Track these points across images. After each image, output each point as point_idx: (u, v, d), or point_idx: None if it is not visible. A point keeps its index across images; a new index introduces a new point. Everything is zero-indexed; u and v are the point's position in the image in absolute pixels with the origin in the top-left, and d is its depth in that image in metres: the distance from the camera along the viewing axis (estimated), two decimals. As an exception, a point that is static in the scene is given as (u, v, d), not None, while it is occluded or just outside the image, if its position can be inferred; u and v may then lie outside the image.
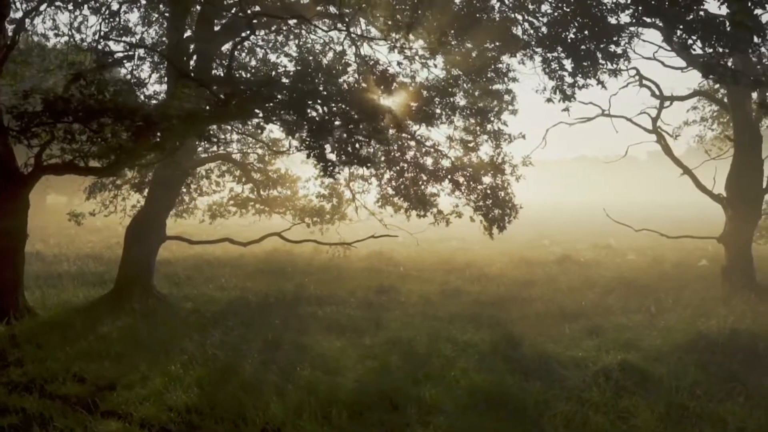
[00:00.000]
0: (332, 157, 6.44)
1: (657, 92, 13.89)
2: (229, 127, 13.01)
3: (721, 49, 6.69)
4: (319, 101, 6.57)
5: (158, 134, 6.07)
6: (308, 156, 6.74)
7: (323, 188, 15.17)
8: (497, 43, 9.41)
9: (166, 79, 11.69)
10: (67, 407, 6.00)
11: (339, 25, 13.33)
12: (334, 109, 6.51)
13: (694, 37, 6.56)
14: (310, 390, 6.34)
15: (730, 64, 11.02)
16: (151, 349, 8.02)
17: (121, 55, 11.64)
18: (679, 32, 6.60)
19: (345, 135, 6.47)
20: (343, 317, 10.47)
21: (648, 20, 6.94)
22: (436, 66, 10.66)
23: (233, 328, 9.32)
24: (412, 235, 14.53)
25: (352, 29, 13.84)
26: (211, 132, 6.44)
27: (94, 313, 10.19)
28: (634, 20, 6.99)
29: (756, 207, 12.66)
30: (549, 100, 8.68)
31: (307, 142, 6.20)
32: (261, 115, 7.41)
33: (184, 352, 7.90)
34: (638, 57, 10.79)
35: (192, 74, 7.07)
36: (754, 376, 6.59)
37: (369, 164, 6.81)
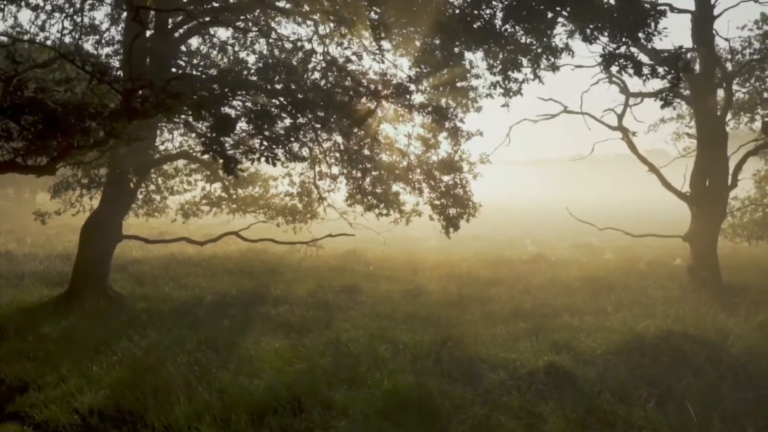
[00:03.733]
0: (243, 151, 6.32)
1: (625, 89, 13.70)
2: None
3: (623, 39, 6.50)
4: (238, 96, 6.45)
5: (66, 133, 5.98)
6: (203, 153, 6.62)
7: (292, 186, 15.12)
8: (446, 36, 9.21)
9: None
10: (-31, 410, 5.92)
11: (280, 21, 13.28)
12: (250, 104, 6.38)
13: (591, 27, 6.37)
14: (220, 392, 6.23)
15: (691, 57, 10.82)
16: (82, 350, 7.95)
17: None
18: (583, 23, 6.41)
19: (254, 131, 6.36)
20: (295, 317, 10.36)
21: (561, 11, 6.76)
22: (384, 60, 10.49)
23: (174, 328, 9.22)
24: (379, 234, 14.40)
25: (320, 27, 13.79)
26: (129, 131, 6.32)
27: (42, 313, 10.14)
28: (550, 14, 6.80)
29: (720, 205, 12.41)
30: (488, 95, 8.51)
31: (204, 139, 6.07)
32: (189, 112, 7.27)
33: (115, 353, 7.82)
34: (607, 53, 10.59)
35: (107, 72, 6.95)
36: (675, 379, 6.42)
37: (276, 161, 6.64)
